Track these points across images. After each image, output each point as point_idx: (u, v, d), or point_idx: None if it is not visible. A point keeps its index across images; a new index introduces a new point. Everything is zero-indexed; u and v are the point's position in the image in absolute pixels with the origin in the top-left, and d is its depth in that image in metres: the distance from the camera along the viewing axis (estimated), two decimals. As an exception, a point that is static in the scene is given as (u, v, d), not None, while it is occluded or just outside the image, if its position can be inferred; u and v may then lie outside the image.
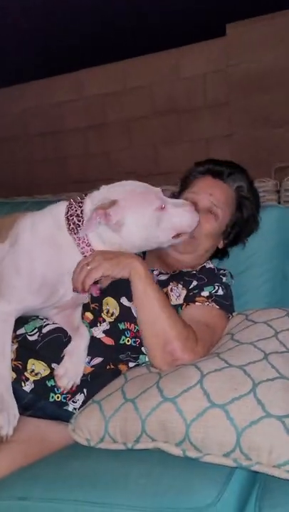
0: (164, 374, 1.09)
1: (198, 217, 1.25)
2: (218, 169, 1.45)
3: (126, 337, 1.27)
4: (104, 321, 1.29)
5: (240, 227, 1.46)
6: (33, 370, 1.22)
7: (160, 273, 1.41)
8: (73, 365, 1.19)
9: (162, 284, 1.35)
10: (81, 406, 1.20)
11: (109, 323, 1.29)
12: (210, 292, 1.32)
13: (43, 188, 4.86)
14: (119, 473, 0.99)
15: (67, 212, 1.20)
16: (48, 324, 1.29)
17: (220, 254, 1.50)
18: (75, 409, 1.21)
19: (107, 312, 1.30)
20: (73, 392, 1.21)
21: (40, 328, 1.28)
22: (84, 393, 1.22)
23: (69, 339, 1.25)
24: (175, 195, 1.48)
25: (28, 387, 1.20)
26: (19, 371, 1.20)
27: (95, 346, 1.25)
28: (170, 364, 1.14)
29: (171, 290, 1.34)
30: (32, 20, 4.09)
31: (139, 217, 1.17)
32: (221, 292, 1.33)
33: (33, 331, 1.28)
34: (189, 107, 4.14)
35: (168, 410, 0.99)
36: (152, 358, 1.17)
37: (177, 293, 1.34)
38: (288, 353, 1.11)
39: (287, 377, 1.02)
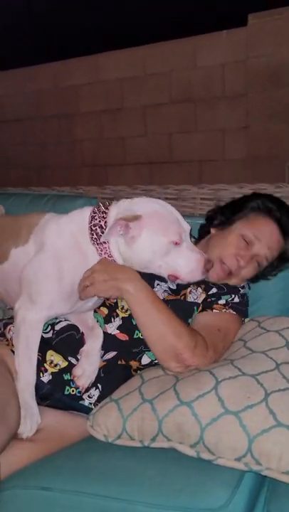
0: (181, 378, 1.15)
1: (200, 274, 1.23)
2: (285, 223, 1.43)
3: (140, 331, 1.30)
4: (117, 315, 1.34)
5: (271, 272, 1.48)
6: (52, 361, 1.28)
7: None
8: (90, 365, 1.26)
9: (183, 285, 1.38)
10: (97, 401, 1.27)
11: (122, 318, 1.34)
12: (226, 300, 1.38)
13: (55, 170, 4.88)
14: (136, 470, 1.05)
15: (91, 222, 1.24)
16: (60, 321, 1.35)
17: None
18: (91, 403, 1.28)
19: (122, 308, 1.35)
20: (87, 388, 1.27)
21: (52, 326, 1.34)
22: (99, 389, 1.29)
23: (81, 336, 1.31)
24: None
25: (46, 377, 1.27)
26: (38, 362, 1.25)
27: (109, 342, 1.30)
28: (184, 370, 1.19)
29: (190, 292, 1.39)
30: (51, 1, 4.06)
31: (152, 240, 1.18)
32: (237, 300, 1.39)
33: (46, 328, 1.34)
34: (206, 97, 4.11)
35: (184, 413, 1.06)
36: (166, 367, 1.22)
37: (195, 295, 1.39)
38: (298, 363, 1.17)
39: (297, 388, 1.08)
